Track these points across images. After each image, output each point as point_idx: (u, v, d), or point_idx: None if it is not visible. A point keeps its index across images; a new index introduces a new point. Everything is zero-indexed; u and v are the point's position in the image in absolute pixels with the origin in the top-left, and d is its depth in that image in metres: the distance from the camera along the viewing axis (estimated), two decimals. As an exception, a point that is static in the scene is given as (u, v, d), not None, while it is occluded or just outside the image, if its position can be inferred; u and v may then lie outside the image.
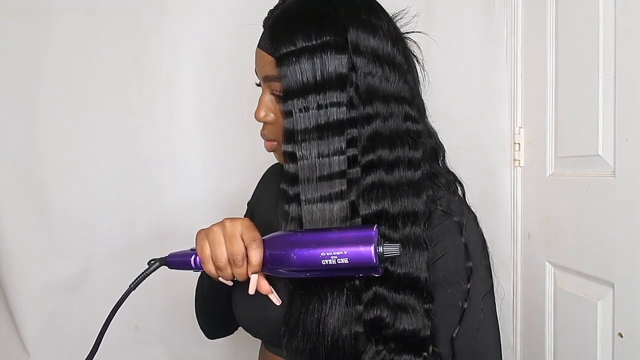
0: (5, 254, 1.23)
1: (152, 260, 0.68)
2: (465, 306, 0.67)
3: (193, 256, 0.66)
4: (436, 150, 0.77)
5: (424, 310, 0.64)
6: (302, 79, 0.64)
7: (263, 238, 0.64)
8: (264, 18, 0.72)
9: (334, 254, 0.58)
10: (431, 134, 0.77)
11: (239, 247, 0.62)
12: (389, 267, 0.64)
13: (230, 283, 0.68)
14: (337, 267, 0.59)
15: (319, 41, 0.64)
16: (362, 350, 0.65)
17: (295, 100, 0.65)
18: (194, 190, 1.34)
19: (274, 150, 0.74)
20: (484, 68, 1.31)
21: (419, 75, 0.75)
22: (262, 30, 0.71)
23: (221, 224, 0.64)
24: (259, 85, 0.73)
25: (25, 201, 1.25)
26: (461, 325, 0.67)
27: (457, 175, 0.78)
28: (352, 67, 0.65)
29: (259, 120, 0.72)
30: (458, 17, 1.31)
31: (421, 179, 0.67)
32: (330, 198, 0.65)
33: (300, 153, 0.65)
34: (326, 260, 0.59)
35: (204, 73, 1.33)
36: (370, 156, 0.65)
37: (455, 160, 0.81)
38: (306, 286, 0.66)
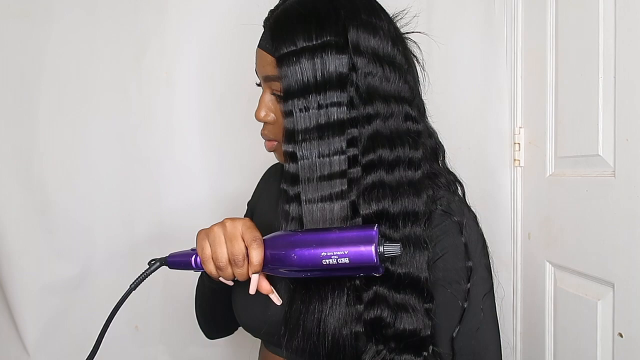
0: (6, 254, 1.23)
1: (152, 260, 0.68)
2: (465, 306, 0.67)
3: (193, 256, 0.66)
4: (436, 150, 0.77)
5: (424, 310, 0.64)
6: (302, 78, 0.64)
7: (264, 238, 0.64)
8: (264, 18, 0.72)
9: (335, 253, 0.58)
10: (431, 134, 0.77)
11: (239, 247, 0.62)
12: (390, 267, 0.64)
13: (230, 283, 0.68)
14: (337, 267, 0.59)
15: (319, 41, 0.64)
16: (362, 350, 0.65)
17: (295, 100, 0.65)
18: (194, 190, 1.34)
19: (275, 150, 0.74)
20: (484, 68, 1.31)
21: (419, 75, 0.75)
22: (263, 30, 0.71)
23: (222, 224, 0.64)
24: (259, 85, 0.73)
25: (26, 201, 1.24)
26: (461, 324, 0.67)
27: (457, 175, 0.78)
28: (353, 67, 0.65)
29: (259, 120, 0.72)
30: (458, 17, 1.31)
31: (421, 178, 0.67)
32: (330, 198, 0.65)
33: (300, 153, 0.65)
34: (327, 260, 0.59)
35: (204, 73, 1.33)
36: (371, 156, 0.65)
37: (455, 160, 0.81)
38: (307, 286, 0.66)
